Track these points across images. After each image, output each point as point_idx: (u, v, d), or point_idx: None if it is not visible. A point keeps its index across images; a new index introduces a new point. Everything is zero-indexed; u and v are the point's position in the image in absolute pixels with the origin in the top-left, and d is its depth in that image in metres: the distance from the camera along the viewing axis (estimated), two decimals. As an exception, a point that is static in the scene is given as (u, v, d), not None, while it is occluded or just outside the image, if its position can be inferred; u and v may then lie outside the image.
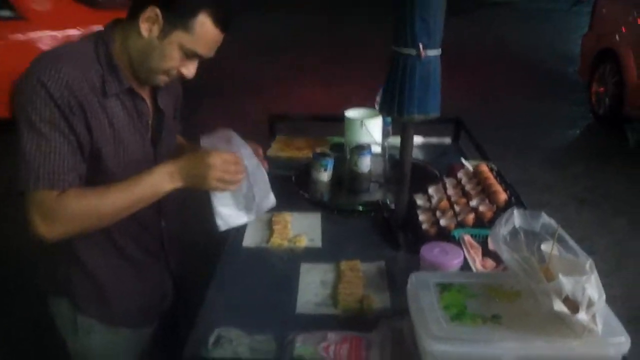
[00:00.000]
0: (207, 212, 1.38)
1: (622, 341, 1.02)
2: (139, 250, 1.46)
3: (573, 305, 1.03)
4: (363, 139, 2.26)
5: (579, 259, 1.12)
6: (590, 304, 1.02)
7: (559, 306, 1.02)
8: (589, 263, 1.09)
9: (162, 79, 1.35)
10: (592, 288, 1.03)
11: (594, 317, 1.03)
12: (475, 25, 9.57)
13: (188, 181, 1.30)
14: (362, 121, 2.28)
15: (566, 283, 1.02)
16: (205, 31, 1.27)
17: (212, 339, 1.16)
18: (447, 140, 2.56)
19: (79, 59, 1.26)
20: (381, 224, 1.77)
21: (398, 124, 2.23)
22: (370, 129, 2.29)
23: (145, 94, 1.39)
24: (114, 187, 1.27)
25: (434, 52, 1.53)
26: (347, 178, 2.10)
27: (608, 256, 3.42)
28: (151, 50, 1.28)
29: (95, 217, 1.26)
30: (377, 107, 2.39)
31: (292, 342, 1.17)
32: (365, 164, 2.08)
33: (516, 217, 1.20)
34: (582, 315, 1.01)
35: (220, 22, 1.28)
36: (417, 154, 2.24)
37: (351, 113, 2.37)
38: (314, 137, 2.54)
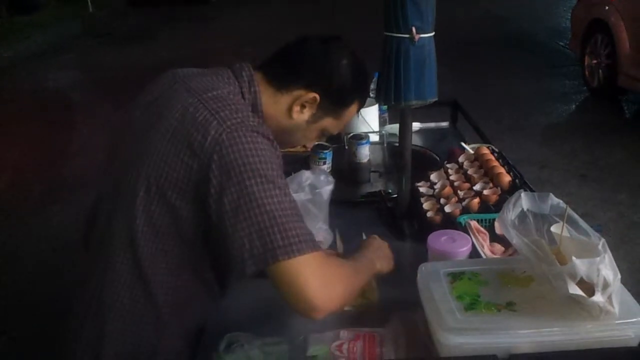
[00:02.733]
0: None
1: (641, 321, 1.01)
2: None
3: (588, 287, 1.01)
4: (360, 128, 2.23)
5: (591, 239, 1.10)
6: (605, 285, 1.00)
7: (574, 289, 1.00)
8: (601, 243, 1.06)
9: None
10: (607, 269, 1.01)
11: (610, 298, 1.01)
12: (463, 4, 9.50)
13: (382, 260, 1.32)
14: (358, 110, 2.25)
15: (580, 265, 0.99)
16: (350, 117, 1.29)
17: (223, 345, 1.14)
18: (445, 124, 2.54)
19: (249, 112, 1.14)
20: (385, 214, 1.75)
21: (394, 111, 2.22)
22: (366, 117, 2.26)
23: None
24: (353, 259, 1.24)
25: (428, 35, 1.50)
26: (346, 169, 2.07)
27: (612, 230, 3.41)
28: (294, 130, 1.25)
29: (358, 282, 1.18)
30: (372, 95, 2.37)
31: (305, 343, 1.14)
32: (364, 153, 2.06)
33: (524, 200, 1.17)
34: (598, 297, 1.00)
35: (363, 106, 1.30)
36: (415, 140, 2.21)
37: (346, 103, 2.33)
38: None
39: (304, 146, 2.28)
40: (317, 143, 2.10)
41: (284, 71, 1.22)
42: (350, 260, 1.23)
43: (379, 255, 1.33)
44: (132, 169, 1.12)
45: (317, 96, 1.20)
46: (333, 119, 1.25)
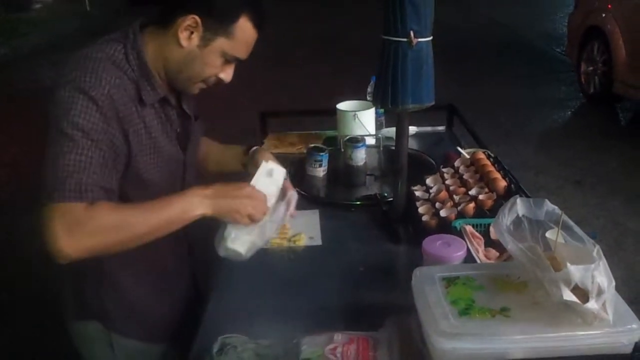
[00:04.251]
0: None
1: (634, 328, 1.00)
2: (169, 259, 1.43)
3: (582, 293, 1.01)
4: (356, 131, 2.23)
5: (586, 246, 1.10)
6: (600, 292, 1.00)
7: (568, 295, 1.00)
8: (596, 249, 1.06)
9: (199, 87, 1.31)
10: (601, 275, 1.01)
11: (604, 305, 1.00)
12: (462, 9, 9.54)
13: (217, 210, 1.22)
14: (355, 113, 2.25)
15: (575, 271, 0.99)
16: (245, 35, 1.24)
17: (216, 347, 1.13)
18: (441, 128, 2.54)
19: (114, 65, 1.20)
20: (380, 217, 1.75)
21: (391, 115, 2.22)
22: (363, 120, 2.26)
23: (173, 100, 1.34)
24: (144, 205, 1.18)
25: (425, 39, 1.50)
26: (342, 172, 2.07)
27: (606, 237, 3.41)
28: (191, 60, 1.24)
29: (123, 234, 1.15)
30: (369, 98, 2.37)
31: (298, 345, 1.14)
32: (360, 156, 2.06)
33: (519, 206, 1.17)
34: (592, 304, 0.99)
35: (258, 22, 1.26)
36: (411, 144, 2.22)
37: (343, 105, 2.33)
38: (307, 132, 2.51)
39: (298, 148, 2.29)
40: (312, 145, 2.10)
41: (160, 8, 1.25)
42: (137, 209, 1.18)
43: (232, 201, 1.23)
44: None
45: (196, 17, 1.19)
46: (226, 39, 1.22)
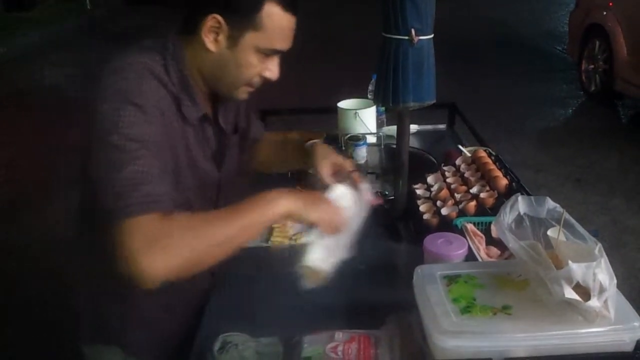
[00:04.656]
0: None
1: (636, 326, 1.00)
2: (197, 283, 1.37)
3: (584, 291, 1.01)
4: (357, 129, 2.23)
5: (587, 244, 1.10)
6: (601, 290, 1.00)
7: (570, 293, 1.00)
8: (598, 247, 1.06)
9: (245, 91, 1.21)
10: (603, 273, 1.01)
11: (606, 302, 1.00)
12: (462, 7, 9.53)
13: (303, 205, 1.11)
14: (355, 112, 2.25)
15: (576, 269, 0.99)
16: (276, 22, 1.12)
17: (217, 345, 1.13)
18: (442, 126, 2.54)
19: (154, 77, 1.10)
20: (381, 215, 1.74)
21: (392, 113, 2.22)
22: (364, 119, 2.26)
23: (210, 115, 1.26)
24: (220, 212, 1.08)
25: (426, 37, 1.50)
26: (343, 170, 2.06)
27: (606, 235, 3.42)
28: (225, 63, 1.15)
29: (206, 244, 1.02)
30: (370, 96, 2.37)
31: (299, 344, 1.14)
32: (361, 155, 2.06)
33: (520, 204, 1.17)
34: (594, 302, 0.99)
35: (289, 5, 1.14)
36: (412, 142, 2.21)
37: (344, 104, 2.33)
38: (308, 130, 2.50)
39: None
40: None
41: (185, 14, 1.17)
42: (215, 215, 1.08)
43: (317, 199, 1.16)
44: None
45: (217, 16, 1.10)
46: (255, 32, 1.11)
